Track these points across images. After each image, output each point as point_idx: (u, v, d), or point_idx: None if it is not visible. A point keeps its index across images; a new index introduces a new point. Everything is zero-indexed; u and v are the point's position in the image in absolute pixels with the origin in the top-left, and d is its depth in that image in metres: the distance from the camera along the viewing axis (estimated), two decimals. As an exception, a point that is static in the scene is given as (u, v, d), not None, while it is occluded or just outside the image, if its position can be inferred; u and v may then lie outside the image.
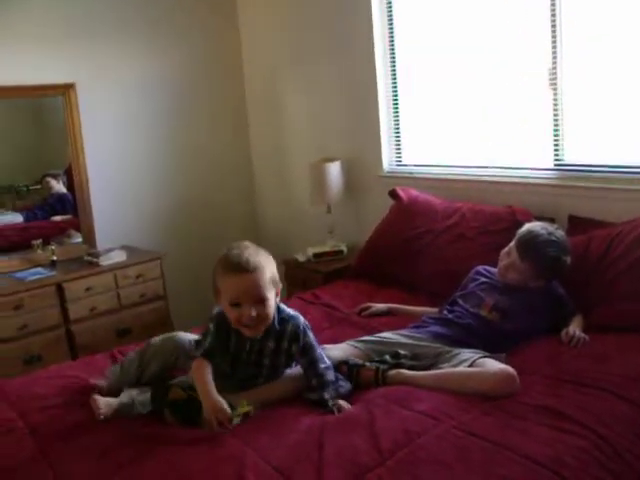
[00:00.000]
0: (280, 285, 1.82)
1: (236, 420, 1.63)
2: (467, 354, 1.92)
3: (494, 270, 2.31)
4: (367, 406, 1.73)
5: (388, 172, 3.41)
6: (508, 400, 1.70)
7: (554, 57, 2.62)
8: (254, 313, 1.72)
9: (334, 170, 3.45)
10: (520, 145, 2.86)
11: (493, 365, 1.82)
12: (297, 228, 4.01)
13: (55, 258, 3.27)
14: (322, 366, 1.82)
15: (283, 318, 1.83)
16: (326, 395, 1.77)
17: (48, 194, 3.50)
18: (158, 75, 3.76)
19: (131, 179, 3.71)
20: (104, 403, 1.78)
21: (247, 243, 1.80)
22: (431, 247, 2.74)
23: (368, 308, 2.54)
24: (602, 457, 1.46)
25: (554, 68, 2.64)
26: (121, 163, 3.66)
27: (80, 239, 3.52)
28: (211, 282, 1.79)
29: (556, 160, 2.72)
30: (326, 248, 3.48)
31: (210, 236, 3.96)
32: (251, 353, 1.82)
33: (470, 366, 1.85)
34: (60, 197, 3.51)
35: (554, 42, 2.61)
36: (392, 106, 3.35)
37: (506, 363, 1.84)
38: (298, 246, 3.75)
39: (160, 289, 3.41)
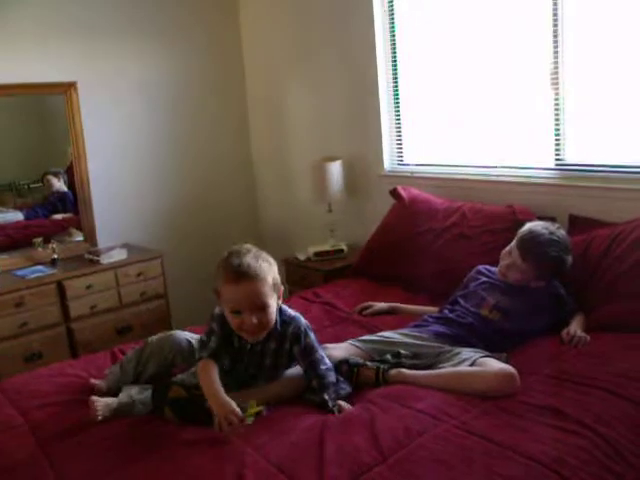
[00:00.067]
0: (282, 288, 1.81)
1: (249, 420, 1.60)
2: (468, 353, 1.92)
3: (495, 269, 2.30)
4: (368, 405, 1.73)
5: (389, 171, 3.41)
6: (509, 399, 1.70)
7: (555, 57, 2.62)
8: (255, 320, 1.72)
9: (335, 169, 3.45)
10: (521, 145, 2.86)
11: (494, 365, 1.81)
12: (298, 227, 4.01)
13: (56, 256, 3.27)
14: (323, 367, 1.81)
15: (284, 320, 1.83)
16: (327, 396, 1.76)
17: (49, 192, 3.50)
18: (159, 73, 3.76)
19: (132, 177, 3.71)
20: (102, 404, 1.78)
21: (248, 246, 1.78)
22: (432, 246, 2.74)
23: (369, 307, 2.54)
24: (603, 457, 1.46)
25: (555, 68, 2.64)
26: (122, 161, 3.66)
27: (81, 237, 3.52)
28: (212, 281, 1.79)
29: (557, 160, 2.72)
30: (327, 247, 3.48)
31: (211, 235, 3.96)
32: (252, 354, 1.82)
33: (471, 365, 1.85)
34: (61, 195, 3.51)
35: (555, 42, 2.60)
36: (393, 105, 3.35)
37: (508, 363, 1.84)
38: (299, 245, 3.75)
39: (161, 288, 3.41)
